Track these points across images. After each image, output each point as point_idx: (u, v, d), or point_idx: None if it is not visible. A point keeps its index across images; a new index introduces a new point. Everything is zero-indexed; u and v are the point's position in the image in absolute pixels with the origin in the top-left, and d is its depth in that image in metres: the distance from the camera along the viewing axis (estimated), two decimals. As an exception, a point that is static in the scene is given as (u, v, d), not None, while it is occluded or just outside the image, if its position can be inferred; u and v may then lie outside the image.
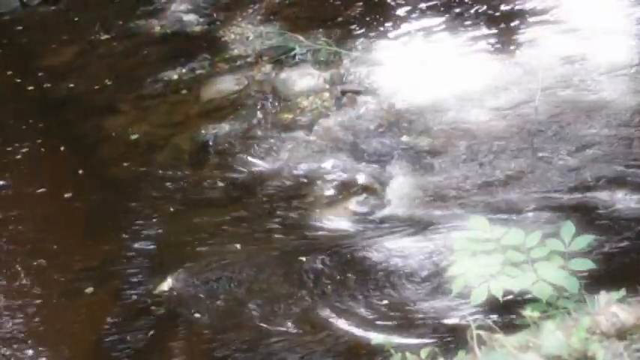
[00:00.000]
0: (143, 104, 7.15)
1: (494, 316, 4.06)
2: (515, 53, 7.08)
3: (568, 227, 3.58)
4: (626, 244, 4.80)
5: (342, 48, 7.43)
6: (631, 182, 5.30)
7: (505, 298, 3.51)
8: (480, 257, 3.56)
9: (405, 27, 7.83)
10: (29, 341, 4.84)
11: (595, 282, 3.78)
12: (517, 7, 7.85)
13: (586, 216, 5.02)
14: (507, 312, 4.01)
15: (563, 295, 3.47)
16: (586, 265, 3.53)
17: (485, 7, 7.98)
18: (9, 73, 7.97)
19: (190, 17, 8.64)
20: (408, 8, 8.15)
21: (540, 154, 5.73)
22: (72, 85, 7.59)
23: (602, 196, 5.22)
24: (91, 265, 5.36)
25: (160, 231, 5.58)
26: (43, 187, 6.28)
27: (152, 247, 5.44)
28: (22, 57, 8.30)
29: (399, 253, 5.07)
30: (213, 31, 8.32)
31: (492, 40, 7.34)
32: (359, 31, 7.84)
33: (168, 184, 6.04)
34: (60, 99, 7.42)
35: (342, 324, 4.63)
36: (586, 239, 3.55)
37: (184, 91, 7.26)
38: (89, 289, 5.14)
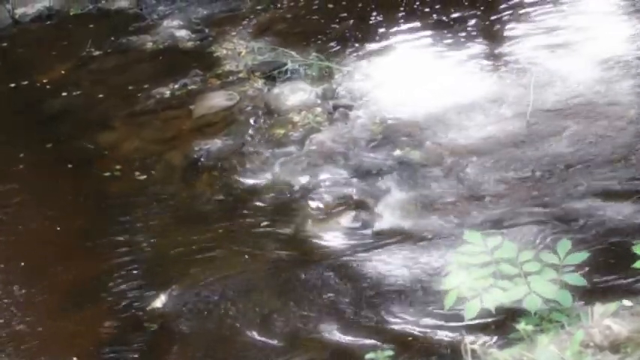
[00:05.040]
0: (135, 120, 7.15)
1: (488, 330, 4.07)
2: (507, 67, 7.12)
3: (563, 245, 3.60)
4: (619, 256, 4.80)
5: (333, 63, 7.46)
6: (625, 194, 5.32)
7: (499, 312, 3.52)
8: (473, 270, 3.57)
9: (396, 42, 7.88)
10: (22, 358, 4.81)
11: (589, 295, 3.79)
12: (508, 22, 7.91)
13: (579, 228, 5.04)
14: (501, 326, 4.01)
15: (556, 308, 3.48)
16: (578, 281, 3.55)
17: (475, 22, 8.04)
18: (1, 89, 7.95)
19: (182, 33, 8.66)
20: (399, 24, 8.20)
21: (532, 167, 5.74)
22: (64, 102, 7.58)
23: (596, 208, 5.24)
24: (84, 281, 5.34)
25: (152, 247, 5.56)
26: (36, 203, 6.26)
27: (145, 263, 5.42)
28: (14, 73, 8.28)
29: (392, 266, 5.06)
30: (206, 47, 8.34)
31: (483, 55, 7.39)
32: (350, 46, 7.87)
33: (160, 200, 6.04)
34: (52, 115, 7.41)
35: (334, 338, 4.62)
36: (580, 256, 3.57)
37: (176, 107, 7.26)
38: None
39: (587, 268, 4.16)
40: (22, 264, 5.62)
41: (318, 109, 6.85)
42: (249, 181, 6.12)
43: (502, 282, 3.48)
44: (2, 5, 9.28)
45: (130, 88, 7.64)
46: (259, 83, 7.40)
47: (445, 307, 3.60)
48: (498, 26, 7.90)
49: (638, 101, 6.28)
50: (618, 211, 5.17)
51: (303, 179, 6.01)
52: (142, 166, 6.46)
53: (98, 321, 4.98)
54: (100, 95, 7.60)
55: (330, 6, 8.86)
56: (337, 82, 7.21)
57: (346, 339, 4.60)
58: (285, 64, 7.51)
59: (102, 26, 9.05)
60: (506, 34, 7.75)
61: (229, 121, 6.92)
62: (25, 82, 7.97)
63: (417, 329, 4.55)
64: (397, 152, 6.14)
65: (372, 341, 4.51)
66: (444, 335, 4.43)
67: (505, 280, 3.51)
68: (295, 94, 7.05)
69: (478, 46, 7.59)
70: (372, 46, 7.84)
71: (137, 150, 6.71)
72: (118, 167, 6.48)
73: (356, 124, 6.56)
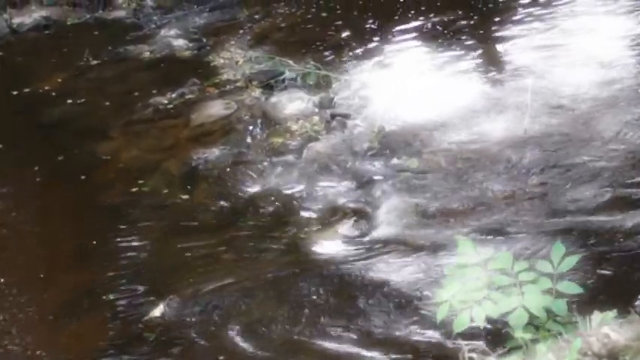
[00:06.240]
0: (133, 129, 7.15)
1: (487, 338, 4.08)
2: (504, 73, 7.15)
3: (558, 248, 3.61)
4: (616, 265, 4.82)
5: (331, 72, 7.48)
6: (622, 202, 5.34)
7: (497, 320, 3.53)
8: (467, 282, 3.59)
9: (393, 50, 7.90)
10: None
11: (587, 303, 3.81)
12: (506, 32, 7.94)
13: (577, 237, 5.05)
14: (500, 334, 4.02)
15: (552, 317, 3.49)
16: (574, 289, 3.56)
17: (471, 29, 8.07)
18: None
19: (180, 42, 8.68)
20: (395, 32, 8.22)
21: (530, 176, 5.76)
22: (63, 110, 7.58)
23: (593, 216, 5.25)
24: (82, 291, 5.33)
25: (151, 256, 5.56)
26: (34, 212, 6.26)
27: (143, 272, 5.42)
28: (11, 82, 8.28)
29: (390, 275, 5.07)
30: (203, 56, 8.36)
31: (481, 64, 7.41)
32: (347, 55, 7.90)
33: (158, 209, 6.04)
34: (49, 124, 7.41)
35: (333, 347, 4.63)
36: (573, 260, 3.59)
37: (174, 116, 7.27)
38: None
39: (586, 275, 4.18)
40: (19, 273, 5.61)
41: (316, 118, 6.86)
42: (247, 190, 6.13)
43: (495, 294, 3.50)
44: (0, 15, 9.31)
45: (128, 97, 7.64)
46: (257, 92, 7.41)
47: (437, 320, 3.63)
48: (494, 33, 7.94)
49: (637, 103, 6.31)
50: (618, 217, 5.20)
51: (301, 188, 6.02)
52: (140, 175, 6.45)
53: (97, 330, 4.97)
54: (98, 104, 7.60)
55: (326, 15, 8.89)
56: (334, 91, 7.23)
57: (345, 348, 4.61)
58: (283, 73, 7.52)
59: (99, 36, 9.06)
60: (502, 40, 7.78)
61: (227, 130, 6.93)
62: (24, 90, 7.96)
63: (416, 338, 4.55)
64: (395, 160, 6.16)
65: (371, 349, 4.52)
66: (442, 344, 4.44)
67: (499, 291, 3.53)
68: (293, 103, 7.07)
69: (474, 53, 7.62)
70: (368, 54, 7.86)
71: (135, 159, 6.71)
72: (116, 176, 6.49)
73: (354, 133, 6.58)
